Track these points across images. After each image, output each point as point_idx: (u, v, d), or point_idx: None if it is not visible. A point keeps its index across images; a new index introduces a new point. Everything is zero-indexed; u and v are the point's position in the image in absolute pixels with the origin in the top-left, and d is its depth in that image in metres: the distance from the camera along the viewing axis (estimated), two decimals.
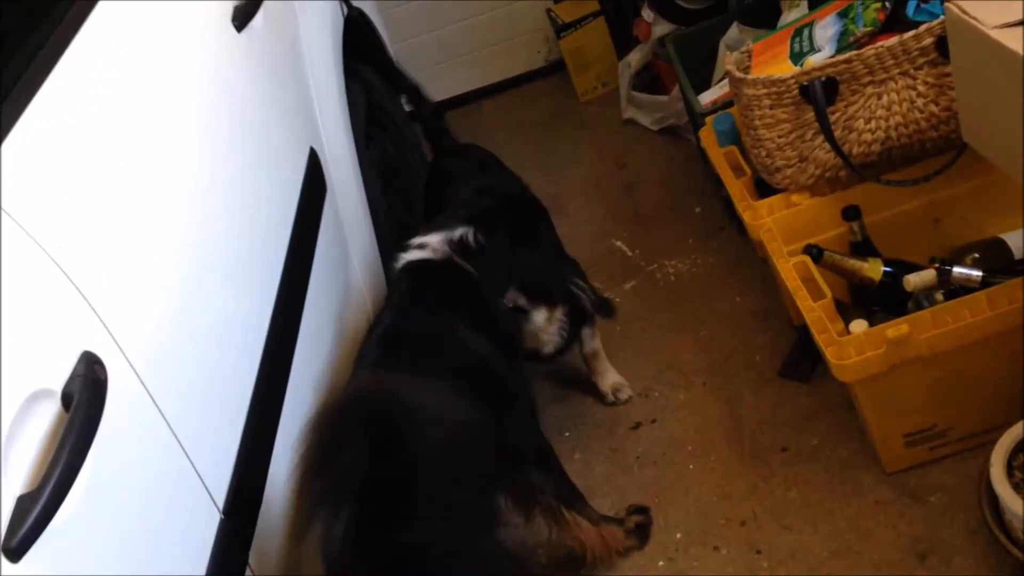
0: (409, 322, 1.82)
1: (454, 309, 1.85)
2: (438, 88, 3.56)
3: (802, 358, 2.20)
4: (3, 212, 1.09)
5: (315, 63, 2.13)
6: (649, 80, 3.22)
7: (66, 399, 1.06)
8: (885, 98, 1.90)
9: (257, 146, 1.74)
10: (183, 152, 1.48)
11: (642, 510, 2.00)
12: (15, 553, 0.94)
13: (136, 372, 1.19)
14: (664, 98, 3.07)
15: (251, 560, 1.35)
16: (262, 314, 1.55)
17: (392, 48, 2.83)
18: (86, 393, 1.07)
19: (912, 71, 1.86)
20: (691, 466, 2.09)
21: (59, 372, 1.07)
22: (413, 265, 1.93)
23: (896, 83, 1.88)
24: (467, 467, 1.44)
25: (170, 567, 1.19)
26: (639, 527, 1.97)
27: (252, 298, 1.54)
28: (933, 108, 1.89)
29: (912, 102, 1.90)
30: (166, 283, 1.33)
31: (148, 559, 1.14)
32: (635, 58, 3.21)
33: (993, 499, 1.61)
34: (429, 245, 1.94)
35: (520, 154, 3.30)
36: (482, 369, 1.80)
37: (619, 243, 2.79)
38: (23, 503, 0.97)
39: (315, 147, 2.00)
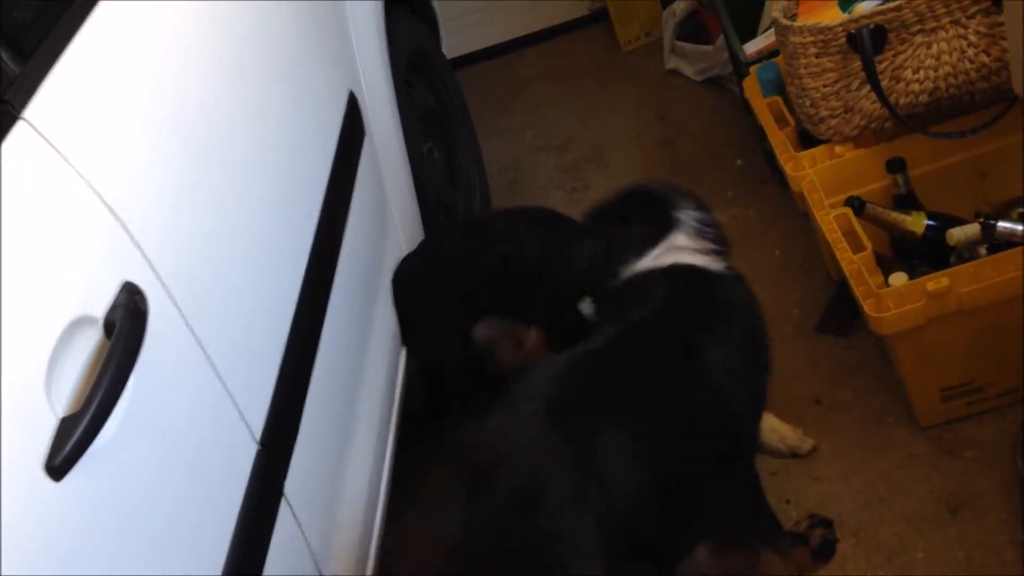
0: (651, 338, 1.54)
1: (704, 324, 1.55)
2: (477, 37, 3.55)
3: (840, 312, 2.18)
4: (51, 148, 1.11)
5: (355, 6, 2.12)
6: (694, 29, 3.16)
7: (108, 327, 1.09)
8: (935, 47, 1.85)
9: (295, 87, 1.74)
10: (222, 90, 1.49)
11: (826, 523, 1.72)
12: (58, 472, 0.97)
13: (176, 304, 1.22)
14: (708, 48, 3.02)
15: (287, 490, 1.38)
16: (300, 251, 1.57)
17: None
18: (127, 322, 1.09)
19: (964, 20, 1.82)
20: None
21: (101, 300, 1.10)
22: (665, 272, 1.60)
23: (947, 32, 1.84)
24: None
25: (206, 494, 1.22)
26: (825, 543, 1.70)
27: (290, 236, 1.56)
28: (984, 58, 1.85)
29: (963, 52, 1.85)
30: (207, 219, 1.35)
31: (185, 485, 1.17)
32: (680, 7, 3.15)
33: None
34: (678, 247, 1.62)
35: (561, 105, 3.28)
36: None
37: None
38: (66, 425, 1.00)
39: (354, 91, 2.01)
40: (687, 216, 1.66)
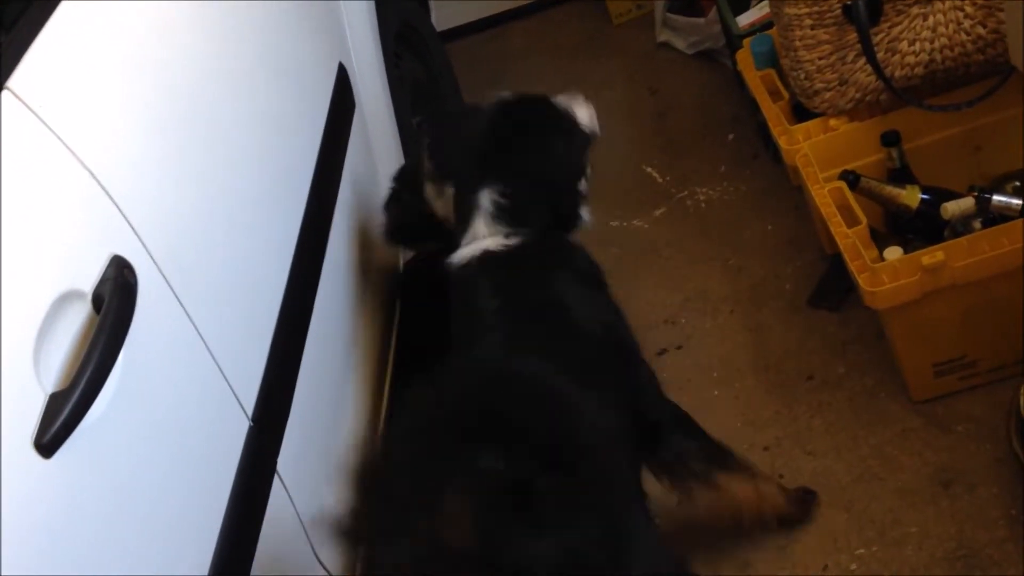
0: (523, 293, 1.59)
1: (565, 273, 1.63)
2: (468, 9, 3.50)
3: (833, 287, 2.17)
4: (36, 118, 1.08)
5: None
6: (686, 2, 3.13)
7: (97, 301, 1.07)
8: (931, 19, 1.84)
9: (285, 58, 1.72)
10: (210, 60, 1.46)
11: (809, 493, 1.79)
12: (47, 449, 0.96)
13: (166, 278, 1.20)
14: (700, 20, 3.00)
15: (279, 468, 1.36)
16: (291, 224, 1.55)
17: None
18: (116, 296, 1.07)
19: None
20: (716, 392, 2.09)
21: (89, 274, 1.07)
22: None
23: (943, 3, 1.82)
24: (615, 450, 1.32)
25: (198, 471, 1.20)
26: (805, 494, 1.77)
27: (281, 208, 1.54)
28: (980, 30, 1.83)
29: (959, 23, 1.83)
30: (195, 192, 1.32)
31: (176, 462, 1.16)
32: None
33: (1022, 429, 1.59)
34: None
35: (551, 78, 3.25)
36: (609, 335, 1.59)
37: (650, 169, 2.75)
38: (55, 401, 0.98)
39: (344, 63, 1.98)
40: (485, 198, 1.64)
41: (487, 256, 1.62)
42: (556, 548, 1.12)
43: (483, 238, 1.64)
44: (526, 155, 1.69)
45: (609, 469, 1.30)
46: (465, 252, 1.64)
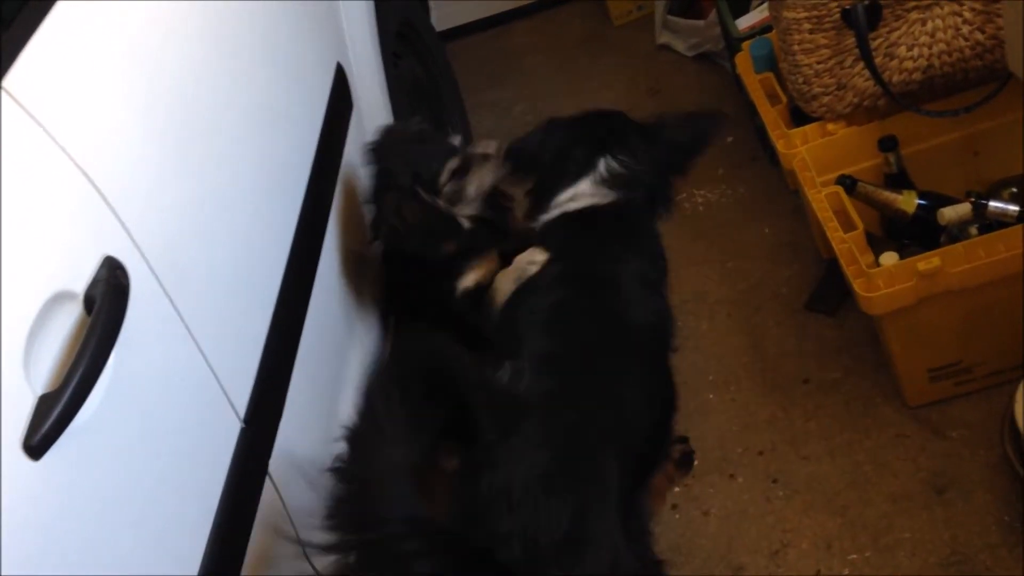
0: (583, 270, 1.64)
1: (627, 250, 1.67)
2: (468, 9, 3.50)
3: (829, 291, 2.17)
4: (30, 118, 1.08)
5: None
6: (686, 4, 3.13)
7: (88, 302, 1.07)
8: (930, 24, 1.84)
9: (282, 57, 1.71)
10: (207, 60, 1.46)
11: (682, 439, 1.96)
12: (36, 451, 0.96)
13: (159, 280, 1.19)
14: (700, 23, 2.99)
15: (271, 469, 1.36)
16: (286, 225, 1.54)
17: None
18: (108, 297, 1.07)
19: None
20: (711, 396, 2.09)
21: (81, 275, 1.07)
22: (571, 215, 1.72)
23: (942, 8, 1.82)
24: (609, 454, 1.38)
25: (190, 472, 1.20)
26: (684, 456, 1.94)
27: (276, 210, 1.53)
28: (979, 36, 1.83)
29: (957, 29, 1.83)
30: (190, 193, 1.32)
31: (167, 464, 1.16)
32: None
33: (1016, 435, 1.59)
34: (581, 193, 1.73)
35: (552, 78, 3.25)
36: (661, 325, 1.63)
37: None
38: (45, 402, 0.98)
39: (342, 63, 1.98)
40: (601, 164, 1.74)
41: (579, 213, 1.70)
42: (518, 534, 1.21)
43: (584, 197, 1.72)
44: (651, 133, 1.79)
45: (595, 472, 1.33)
46: (554, 212, 1.73)
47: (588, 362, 1.48)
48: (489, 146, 1.88)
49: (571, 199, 1.73)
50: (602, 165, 1.73)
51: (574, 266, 1.64)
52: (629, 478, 1.39)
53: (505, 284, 1.72)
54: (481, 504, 1.25)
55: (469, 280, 1.85)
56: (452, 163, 1.84)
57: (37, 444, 0.96)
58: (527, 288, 1.65)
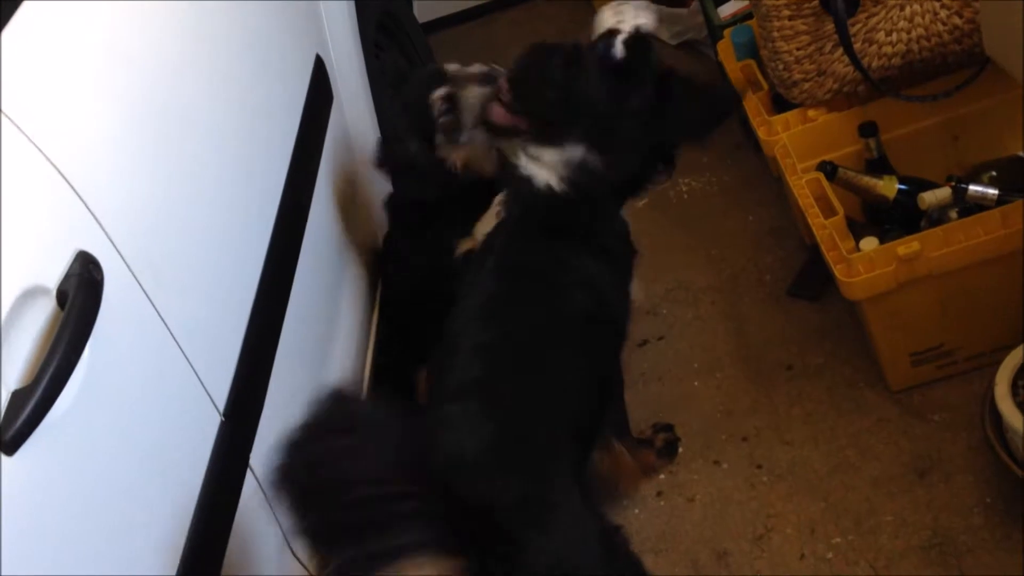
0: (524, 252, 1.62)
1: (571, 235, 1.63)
2: None
3: (812, 277, 2.18)
4: (1, 112, 1.07)
5: None
6: None
7: (61, 297, 1.06)
8: (908, 9, 1.84)
9: (260, 50, 1.71)
10: (184, 53, 1.45)
11: (667, 427, 1.98)
12: (9, 447, 0.95)
13: (134, 273, 1.19)
14: (683, 11, 2.99)
15: (252, 463, 1.36)
16: (265, 218, 1.54)
17: None
18: (81, 292, 1.06)
19: None
20: (696, 383, 2.09)
21: (54, 270, 1.07)
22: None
23: None
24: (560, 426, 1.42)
25: (169, 467, 1.20)
26: (668, 445, 1.96)
27: (255, 203, 1.53)
28: (957, 20, 1.83)
29: (935, 14, 1.83)
30: (166, 187, 1.32)
31: (145, 459, 1.15)
32: None
33: (996, 418, 1.60)
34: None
35: None
36: (601, 304, 1.62)
37: None
38: (18, 398, 0.97)
39: (321, 55, 1.97)
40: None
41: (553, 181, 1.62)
42: (477, 501, 1.19)
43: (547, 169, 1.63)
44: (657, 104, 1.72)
45: (549, 440, 1.35)
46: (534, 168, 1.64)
47: (520, 350, 1.49)
48: (478, 68, 1.88)
49: (538, 160, 1.63)
50: (580, 152, 1.62)
51: (513, 257, 1.61)
52: (575, 451, 1.44)
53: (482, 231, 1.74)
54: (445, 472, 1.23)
55: (471, 242, 1.86)
56: (440, 91, 1.85)
57: (10, 440, 0.95)
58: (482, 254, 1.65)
